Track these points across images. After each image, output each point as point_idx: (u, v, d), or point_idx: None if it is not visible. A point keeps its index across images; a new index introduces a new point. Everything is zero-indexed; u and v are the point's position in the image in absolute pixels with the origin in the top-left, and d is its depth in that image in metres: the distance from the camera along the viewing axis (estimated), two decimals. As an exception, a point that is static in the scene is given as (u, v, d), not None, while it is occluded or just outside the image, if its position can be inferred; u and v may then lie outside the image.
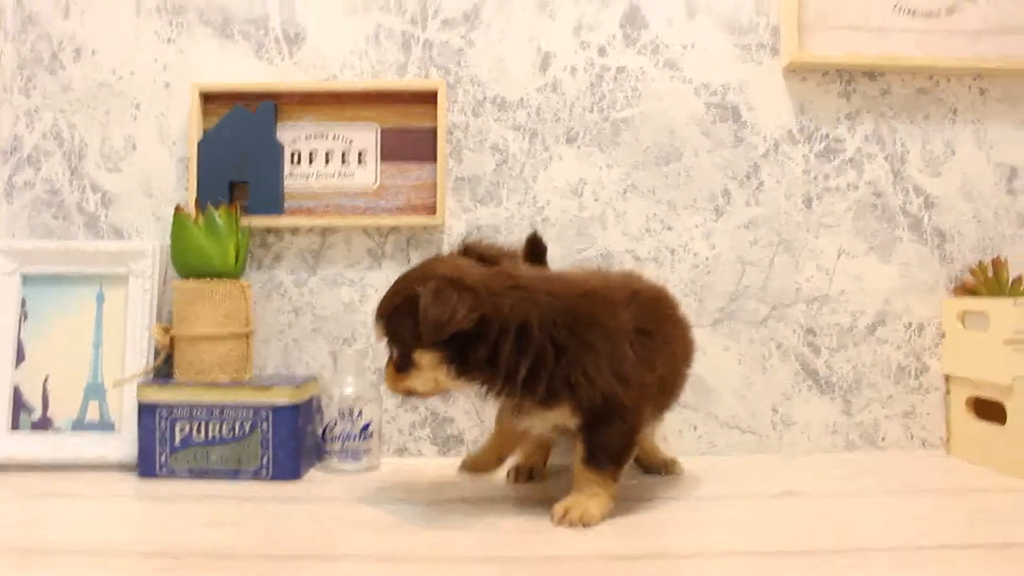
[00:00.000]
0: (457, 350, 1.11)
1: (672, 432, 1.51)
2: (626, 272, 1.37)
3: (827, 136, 1.57)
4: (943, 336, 1.56)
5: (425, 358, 1.13)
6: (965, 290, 1.56)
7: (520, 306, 1.10)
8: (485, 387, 1.14)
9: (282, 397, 1.36)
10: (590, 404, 1.12)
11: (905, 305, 1.57)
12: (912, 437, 1.56)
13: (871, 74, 1.57)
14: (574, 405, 1.13)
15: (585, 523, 1.12)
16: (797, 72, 1.57)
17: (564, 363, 1.11)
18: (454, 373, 1.13)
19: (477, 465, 1.29)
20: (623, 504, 1.22)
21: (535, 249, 1.40)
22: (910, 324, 1.57)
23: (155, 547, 1.06)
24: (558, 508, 1.14)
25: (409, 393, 1.18)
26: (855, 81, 1.57)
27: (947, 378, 1.56)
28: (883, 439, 1.56)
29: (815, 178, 1.56)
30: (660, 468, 1.41)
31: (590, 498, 1.14)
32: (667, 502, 1.26)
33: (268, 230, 1.54)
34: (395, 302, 1.15)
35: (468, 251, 1.20)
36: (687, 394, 1.50)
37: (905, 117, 1.58)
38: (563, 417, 1.15)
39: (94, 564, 1.00)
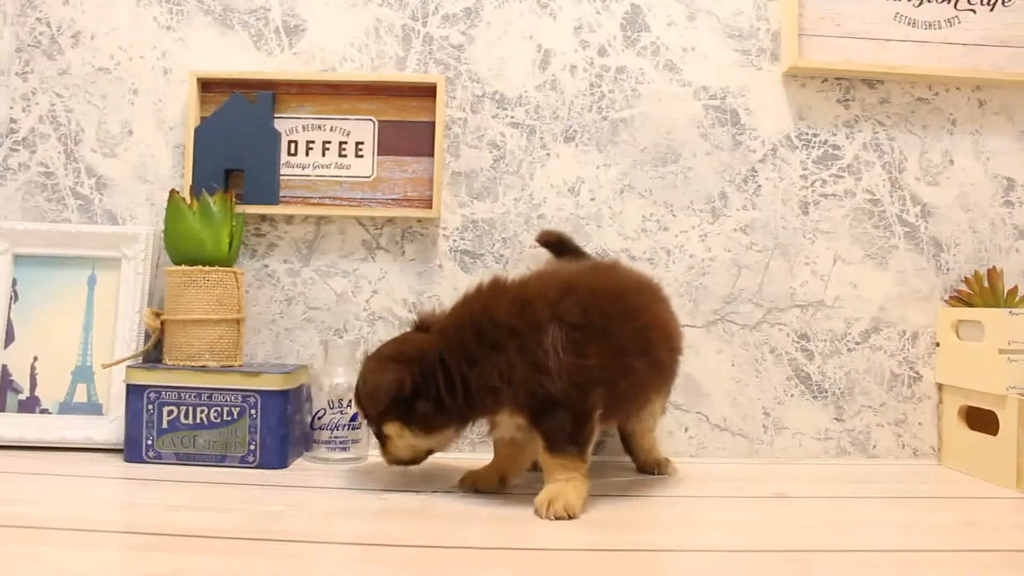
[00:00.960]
0: (406, 412, 1.18)
1: (663, 433, 1.50)
2: (595, 266, 1.38)
3: (825, 142, 1.57)
4: (937, 345, 1.56)
5: (392, 428, 1.21)
6: (960, 300, 1.55)
7: (438, 347, 1.18)
8: (455, 429, 1.21)
9: (271, 384, 1.35)
10: (517, 401, 1.16)
11: (900, 313, 1.57)
12: (904, 446, 1.55)
13: (870, 82, 1.57)
14: (509, 406, 1.16)
15: (569, 513, 1.11)
16: (797, 78, 1.57)
17: (478, 370, 1.16)
18: (419, 432, 1.20)
19: (478, 483, 1.27)
20: (611, 499, 1.23)
21: (551, 245, 1.48)
22: (904, 332, 1.56)
23: (138, 527, 1.06)
24: (540, 501, 1.14)
25: (398, 463, 1.27)
26: (854, 89, 1.57)
27: (940, 387, 1.56)
28: (874, 447, 1.55)
29: (812, 184, 1.56)
30: (653, 467, 1.41)
31: (566, 483, 1.14)
32: (656, 500, 1.26)
33: (263, 218, 1.54)
34: (356, 386, 1.25)
35: (420, 325, 1.27)
36: (678, 395, 1.51)
37: (904, 126, 1.58)
38: (509, 416, 1.18)
39: (77, 542, 0.99)
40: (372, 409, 1.20)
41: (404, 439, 1.21)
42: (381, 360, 1.20)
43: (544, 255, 1.50)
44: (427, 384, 1.17)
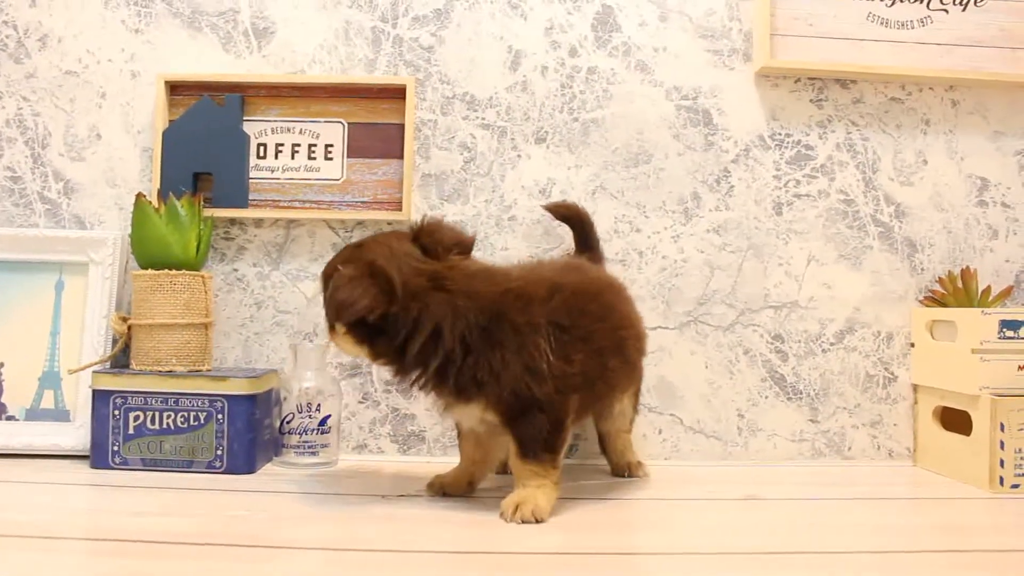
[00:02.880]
0: (367, 334, 1.13)
1: (636, 435, 1.49)
2: (566, 263, 1.34)
3: (798, 143, 1.56)
4: (912, 346, 1.55)
5: (340, 332, 1.15)
6: (934, 300, 1.55)
7: (436, 309, 1.12)
8: (395, 375, 1.16)
9: (238, 388, 1.34)
10: (499, 399, 1.13)
11: (874, 314, 1.56)
12: (879, 447, 1.55)
13: (843, 82, 1.57)
14: (486, 401, 1.13)
15: (537, 518, 1.10)
16: (769, 78, 1.56)
17: (471, 362, 1.12)
18: (368, 355, 1.16)
19: (446, 488, 1.26)
20: (583, 502, 1.22)
21: (571, 221, 1.48)
22: (879, 333, 1.56)
23: (102, 533, 1.05)
24: (508, 504, 1.12)
25: (341, 350, 1.21)
26: (827, 89, 1.57)
27: (915, 388, 1.55)
28: (849, 448, 1.54)
29: (785, 184, 1.56)
30: (624, 469, 1.40)
31: (536, 490, 1.13)
32: (628, 503, 1.25)
33: (232, 222, 1.52)
34: (328, 271, 1.17)
35: (418, 237, 1.19)
36: (652, 397, 1.50)
37: (877, 126, 1.58)
38: (481, 411, 1.15)
39: (39, 548, 0.98)
40: (330, 316, 1.13)
41: (350, 348, 1.16)
42: (368, 271, 1.11)
43: (514, 256, 1.50)
44: (396, 327, 1.11)
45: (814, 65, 1.53)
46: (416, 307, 1.11)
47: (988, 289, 1.52)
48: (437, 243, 1.18)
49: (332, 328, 1.17)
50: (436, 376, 1.13)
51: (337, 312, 1.11)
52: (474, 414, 1.16)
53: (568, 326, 1.16)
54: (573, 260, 1.40)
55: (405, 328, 1.11)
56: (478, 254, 1.49)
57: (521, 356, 1.12)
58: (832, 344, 1.55)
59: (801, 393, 1.54)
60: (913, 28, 1.56)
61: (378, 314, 1.10)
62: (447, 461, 1.39)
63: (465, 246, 1.21)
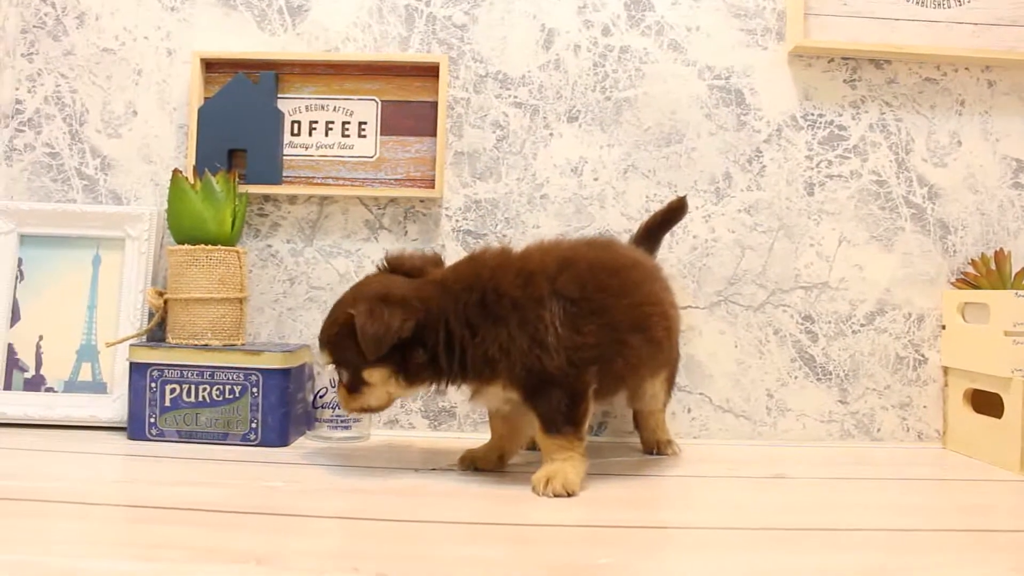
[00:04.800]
0: (401, 360, 1.16)
1: (665, 413, 1.50)
2: (592, 241, 1.36)
3: (831, 123, 1.56)
4: (943, 328, 1.55)
5: (374, 375, 1.18)
6: (966, 283, 1.54)
7: (442, 302, 1.16)
8: (433, 385, 1.20)
9: (272, 362, 1.36)
10: (513, 375, 1.15)
11: (905, 296, 1.55)
12: (908, 429, 1.55)
13: (877, 62, 1.56)
14: (504, 378, 1.16)
15: (568, 491, 1.11)
16: (802, 58, 1.56)
17: (480, 340, 1.15)
18: (404, 383, 1.18)
19: (477, 462, 1.27)
20: (611, 479, 1.23)
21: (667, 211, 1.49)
22: (910, 315, 1.55)
23: (138, 501, 1.06)
24: (538, 478, 1.14)
25: (364, 410, 1.24)
26: (861, 69, 1.56)
27: (945, 370, 1.55)
28: (878, 430, 1.54)
29: (818, 164, 1.55)
30: (654, 447, 1.41)
31: (564, 463, 1.14)
32: (655, 479, 1.26)
33: (266, 198, 1.54)
34: (335, 328, 1.20)
35: (393, 267, 1.25)
36: (681, 376, 1.51)
37: (911, 107, 1.57)
38: (502, 390, 1.17)
39: (75, 515, 1.00)
40: (372, 352, 1.13)
41: (387, 387, 1.19)
42: (379, 301, 1.14)
43: (544, 233, 1.50)
44: (426, 335, 1.15)
45: (848, 45, 1.53)
46: (433, 306, 1.16)
47: (1022, 271, 1.51)
48: (414, 266, 1.24)
49: (356, 384, 1.20)
50: (460, 365, 1.16)
51: (376, 345, 1.13)
52: (497, 394, 1.18)
53: (578, 299, 1.17)
54: (603, 239, 1.41)
55: (432, 329, 1.15)
56: (511, 232, 1.51)
57: (525, 330, 1.14)
58: (863, 325, 1.55)
59: (831, 374, 1.54)
60: (949, 8, 1.55)
61: (411, 327, 1.14)
62: (477, 437, 1.40)
63: (439, 260, 1.27)
